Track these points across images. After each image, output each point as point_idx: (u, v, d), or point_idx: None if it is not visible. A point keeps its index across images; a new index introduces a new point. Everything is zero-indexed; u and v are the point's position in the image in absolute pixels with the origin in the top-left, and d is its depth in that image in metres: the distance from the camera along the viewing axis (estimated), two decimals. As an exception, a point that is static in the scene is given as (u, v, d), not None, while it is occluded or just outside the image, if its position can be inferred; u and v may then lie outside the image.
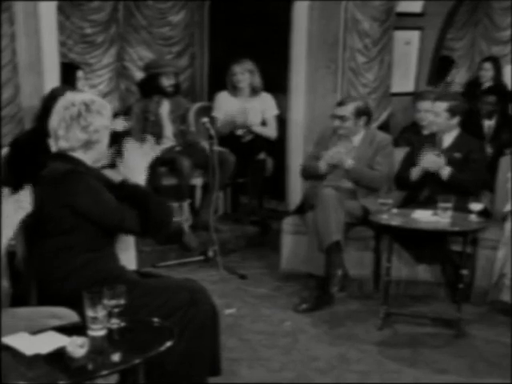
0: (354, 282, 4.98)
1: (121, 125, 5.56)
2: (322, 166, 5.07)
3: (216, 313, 3.29)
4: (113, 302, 2.62)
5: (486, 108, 6.65)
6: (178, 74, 6.43)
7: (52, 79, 5.29)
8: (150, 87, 6.12)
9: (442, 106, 4.94)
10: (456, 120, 4.99)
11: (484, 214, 4.66)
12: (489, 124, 6.62)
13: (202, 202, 6.10)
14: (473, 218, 4.45)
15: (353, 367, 3.97)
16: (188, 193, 6.01)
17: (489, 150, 5.96)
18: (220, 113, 6.44)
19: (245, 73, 6.38)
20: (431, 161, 4.87)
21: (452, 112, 4.95)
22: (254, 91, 6.45)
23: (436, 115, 4.96)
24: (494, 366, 3.98)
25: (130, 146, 3.33)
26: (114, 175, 3.38)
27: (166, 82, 6.09)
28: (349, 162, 5.00)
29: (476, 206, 4.47)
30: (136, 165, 3.29)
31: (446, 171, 4.85)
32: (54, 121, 3.15)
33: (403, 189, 5.18)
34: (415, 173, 4.97)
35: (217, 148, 5.53)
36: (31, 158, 3.30)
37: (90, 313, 2.53)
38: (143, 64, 6.62)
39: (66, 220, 3.07)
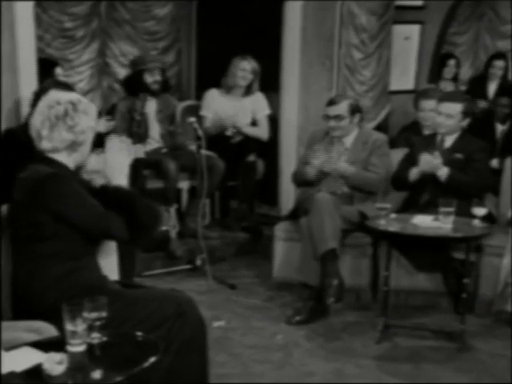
0: (350, 292, 4.96)
1: (104, 126, 5.56)
2: (310, 172, 5.07)
3: (204, 325, 3.28)
4: (94, 315, 2.60)
5: (500, 111, 6.61)
6: (165, 70, 6.42)
7: (28, 76, 5.27)
8: (134, 85, 6.12)
9: (457, 107, 4.91)
10: (466, 122, 4.99)
11: (488, 218, 4.67)
12: (502, 129, 6.59)
13: (189, 208, 6.10)
14: (476, 223, 4.45)
15: (350, 383, 3.96)
16: (175, 197, 6.01)
17: (495, 163, 5.91)
18: (209, 112, 6.44)
19: (249, 72, 6.37)
20: (427, 161, 4.86)
21: (465, 114, 4.95)
22: (249, 91, 6.46)
23: (448, 117, 4.92)
24: (499, 381, 3.98)
25: (112, 145, 3.32)
26: (95, 178, 3.38)
27: (150, 78, 6.09)
28: (348, 169, 5.00)
29: (480, 211, 4.47)
30: (118, 164, 3.29)
31: (443, 172, 4.84)
32: (37, 120, 3.14)
33: (400, 189, 5.18)
34: (413, 174, 4.97)
35: (205, 152, 5.52)
36: (25, 152, 3.27)
37: (68, 327, 2.50)
38: (129, 60, 6.62)
39: (47, 226, 3.06)
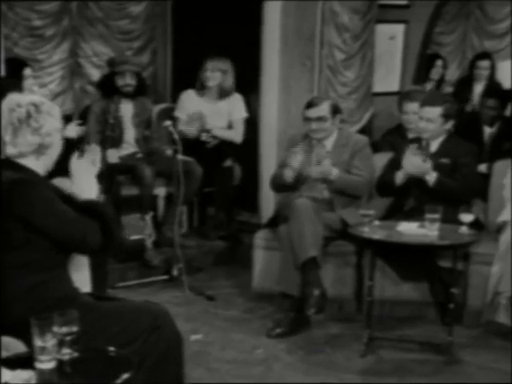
0: (333, 303, 4.97)
1: (74, 131, 5.53)
2: (288, 174, 5.06)
3: (180, 339, 3.26)
4: (64, 330, 2.58)
5: (486, 113, 6.62)
6: (140, 73, 6.41)
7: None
8: (107, 87, 6.13)
9: (436, 111, 4.95)
10: (450, 124, 5.02)
11: (476, 225, 4.69)
12: (490, 132, 6.61)
13: (166, 216, 6.09)
14: (464, 230, 4.48)
15: (333, 398, 3.97)
16: (150, 204, 5.99)
17: (483, 168, 5.93)
18: (183, 113, 6.45)
19: (216, 71, 6.40)
20: (415, 166, 4.88)
21: (446, 116, 4.98)
22: (224, 93, 6.47)
23: (429, 121, 4.96)
24: (488, 395, 4.01)
25: (75, 161, 3.31)
26: (66, 185, 3.36)
27: (121, 81, 6.10)
28: (334, 172, 5.00)
29: (467, 217, 4.50)
30: (84, 181, 3.27)
31: (431, 177, 4.87)
32: (-2, 126, 3.11)
33: (386, 195, 5.20)
34: (400, 177, 4.99)
35: (181, 157, 5.51)
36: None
37: (37, 342, 2.49)
38: (102, 61, 6.60)
39: (17, 235, 3.02)
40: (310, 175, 5.04)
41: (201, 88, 6.51)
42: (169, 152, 5.81)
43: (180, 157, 5.50)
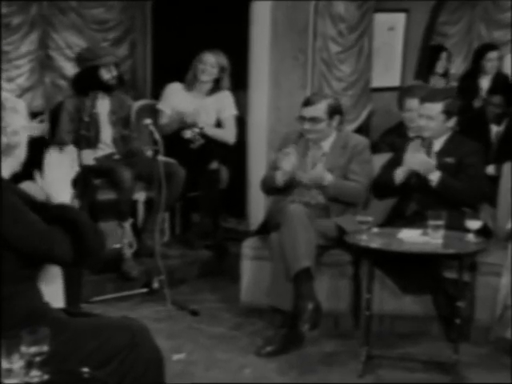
0: (328, 318, 4.97)
1: (37, 129, 5.51)
2: (279, 178, 5.07)
3: (161, 358, 3.24)
4: (33, 349, 2.56)
5: (491, 111, 6.64)
6: (119, 63, 6.40)
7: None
8: (87, 83, 6.07)
9: (437, 107, 4.97)
10: (453, 121, 5.03)
11: (484, 232, 4.69)
12: (497, 130, 6.62)
13: (146, 223, 6.08)
14: (470, 237, 4.47)
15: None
16: (130, 210, 5.97)
17: (491, 169, 5.95)
18: (167, 107, 6.44)
19: (214, 66, 6.41)
20: (420, 161, 4.89)
21: (448, 113, 4.99)
22: (215, 90, 6.47)
23: (429, 119, 4.98)
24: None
25: (51, 159, 3.30)
26: (36, 190, 3.34)
27: (107, 74, 6.08)
28: (328, 178, 5.00)
29: (474, 224, 4.49)
30: (59, 180, 3.26)
31: (435, 176, 4.88)
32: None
33: (382, 196, 5.21)
34: (399, 174, 4.99)
35: (163, 158, 5.50)
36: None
37: (3, 364, 2.48)
38: (75, 55, 6.57)
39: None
40: (301, 181, 5.04)
41: (191, 81, 6.50)
42: (149, 153, 5.80)
43: (161, 158, 5.49)
